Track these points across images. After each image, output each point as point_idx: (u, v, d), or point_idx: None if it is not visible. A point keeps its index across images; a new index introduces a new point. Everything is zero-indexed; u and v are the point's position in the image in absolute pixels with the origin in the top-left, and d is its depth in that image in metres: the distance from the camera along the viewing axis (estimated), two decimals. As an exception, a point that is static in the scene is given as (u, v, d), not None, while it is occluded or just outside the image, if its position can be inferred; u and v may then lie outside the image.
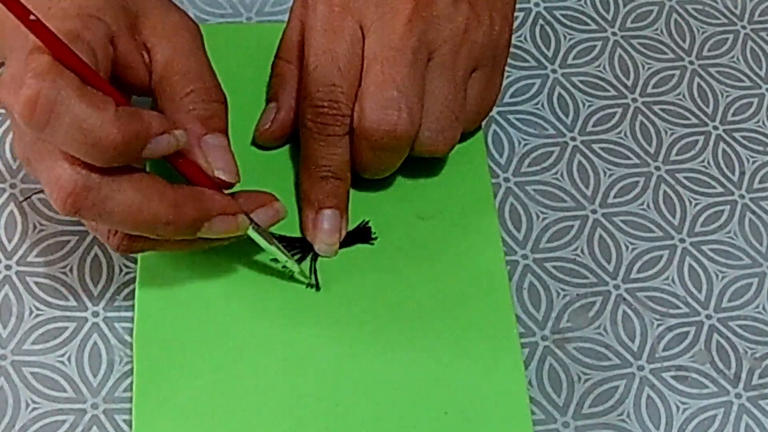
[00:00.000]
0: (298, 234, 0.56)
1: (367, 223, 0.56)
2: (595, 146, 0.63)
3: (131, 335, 0.53)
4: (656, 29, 0.69)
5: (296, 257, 0.55)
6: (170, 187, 0.48)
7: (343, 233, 0.56)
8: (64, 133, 0.44)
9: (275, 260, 0.54)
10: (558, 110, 0.65)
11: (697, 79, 0.67)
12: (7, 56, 0.49)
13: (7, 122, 0.60)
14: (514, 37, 0.64)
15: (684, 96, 0.66)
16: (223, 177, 0.50)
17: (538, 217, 0.60)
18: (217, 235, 0.50)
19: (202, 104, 0.50)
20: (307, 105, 0.54)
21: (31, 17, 0.44)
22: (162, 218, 0.48)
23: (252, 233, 0.51)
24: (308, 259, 0.55)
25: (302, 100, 0.55)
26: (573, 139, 0.64)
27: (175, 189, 0.48)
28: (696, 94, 0.66)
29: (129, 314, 0.55)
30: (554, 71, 0.66)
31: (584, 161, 0.63)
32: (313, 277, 0.54)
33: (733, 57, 0.68)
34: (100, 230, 0.50)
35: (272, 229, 0.54)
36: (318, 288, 0.54)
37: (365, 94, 0.53)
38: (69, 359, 0.54)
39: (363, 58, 0.54)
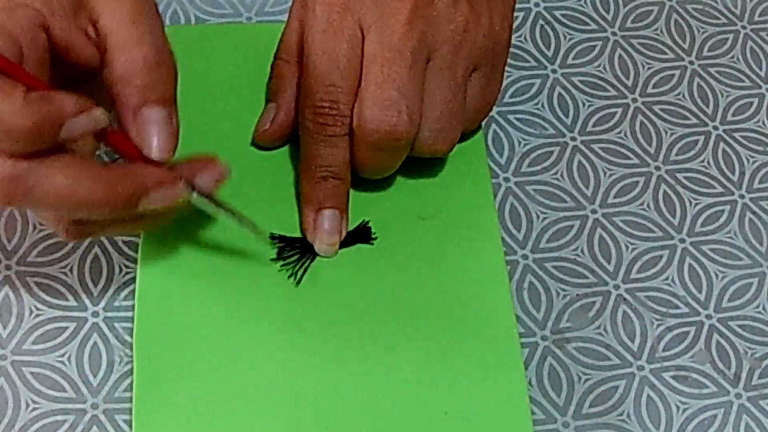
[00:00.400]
0: (298, 234, 0.56)
1: (367, 223, 0.56)
2: (595, 146, 0.63)
3: (131, 335, 0.53)
4: (656, 29, 0.69)
5: (295, 257, 0.55)
6: (101, 167, 0.47)
7: (343, 233, 0.56)
8: None
9: (275, 260, 0.54)
10: (558, 110, 0.65)
11: (697, 79, 0.67)
12: None
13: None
14: (514, 37, 0.64)
15: (684, 96, 0.66)
16: (153, 157, 0.49)
17: (538, 217, 0.60)
18: (159, 207, 0.49)
19: (137, 72, 0.48)
20: (307, 105, 0.54)
21: None
22: (95, 199, 0.47)
23: (197, 200, 0.50)
24: (293, 258, 0.55)
25: (302, 100, 0.55)
26: (573, 139, 0.64)
27: (107, 168, 0.47)
28: (696, 94, 0.66)
29: (129, 314, 0.55)
30: (554, 71, 0.66)
31: (584, 161, 0.63)
32: (300, 272, 0.54)
33: (733, 57, 0.68)
34: (45, 219, 0.50)
35: (272, 230, 0.54)
36: (298, 283, 0.54)
37: (365, 94, 0.53)
38: (69, 359, 0.54)
39: (362, 58, 0.54)
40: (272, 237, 0.55)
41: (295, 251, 0.55)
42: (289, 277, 0.54)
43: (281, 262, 0.55)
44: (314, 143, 0.54)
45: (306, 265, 0.55)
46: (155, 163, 0.49)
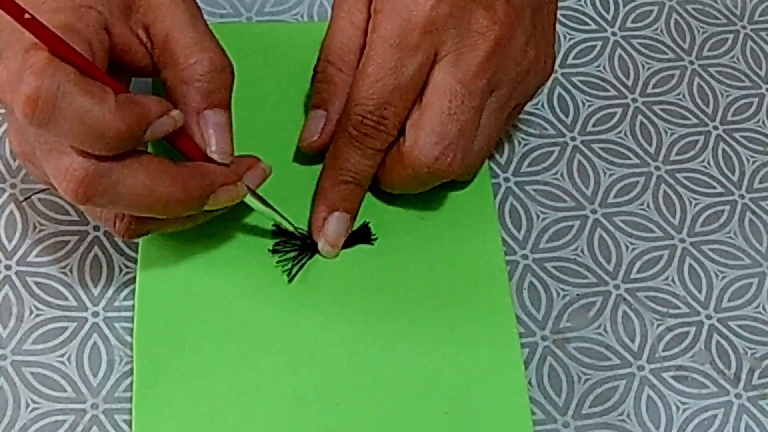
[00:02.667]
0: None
1: (368, 223, 0.56)
2: (595, 146, 0.63)
3: (131, 335, 0.53)
4: (656, 29, 0.69)
5: (293, 253, 0.55)
6: (174, 165, 0.49)
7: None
8: (67, 128, 0.45)
9: (274, 258, 0.54)
10: (558, 110, 0.65)
11: (697, 79, 0.67)
12: (2, 53, 0.49)
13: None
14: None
15: (684, 96, 0.66)
16: (216, 158, 0.50)
17: (538, 217, 0.60)
18: (221, 205, 0.51)
19: (203, 76, 0.50)
20: (355, 112, 0.54)
21: (26, 15, 0.44)
22: (172, 197, 0.48)
23: (248, 198, 0.52)
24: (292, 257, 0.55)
25: (350, 102, 0.54)
26: (573, 139, 0.64)
27: (180, 167, 0.49)
28: (696, 94, 0.66)
29: (129, 314, 0.55)
30: (554, 71, 0.66)
31: (584, 161, 0.63)
32: (295, 269, 0.54)
33: (733, 57, 0.68)
34: (106, 217, 0.50)
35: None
36: (291, 280, 0.54)
37: (426, 124, 0.53)
38: (69, 359, 0.54)
39: (426, 84, 0.53)
40: (276, 228, 0.55)
41: (295, 247, 0.55)
42: (284, 272, 0.54)
43: (278, 257, 0.55)
44: (349, 148, 0.54)
45: (303, 262, 0.55)
46: (217, 164, 0.50)
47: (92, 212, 0.51)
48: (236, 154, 0.52)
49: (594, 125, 0.64)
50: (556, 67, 0.66)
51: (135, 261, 0.55)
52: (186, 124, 0.50)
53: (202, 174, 0.50)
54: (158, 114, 0.47)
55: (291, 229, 0.55)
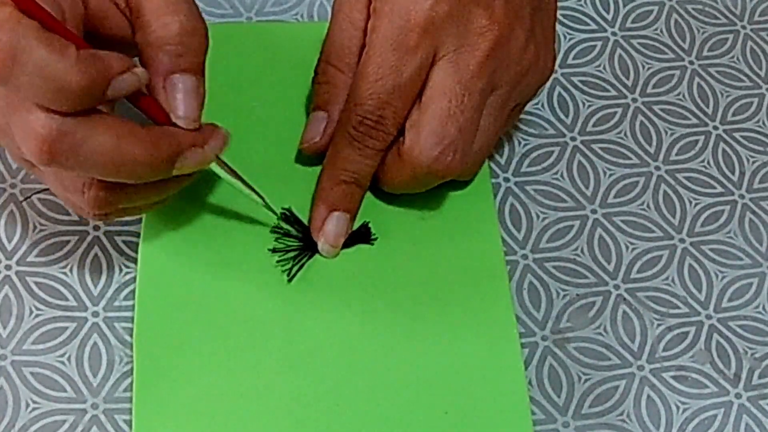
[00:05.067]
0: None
1: (368, 223, 0.56)
2: (595, 146, 0.63)
3: (131, 335, 0.53)
4: (656, 29, 0.69)
5: (293, 252, 0.55)
6: (141, 126, 0.48)
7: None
8: (29, 82, 0.44)
9: (274, 258, 0.54)
10: (558, 110, 0.65)
11: (697, 79, 0.67)
12: None
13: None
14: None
15: (684, 96, 0.66)
16: (181, 123, 0.49)
17: (538, 217, 0.61)
18: (190, 169, 0.49)
19: (172, 39, 0.49)
20: (354, 111, 0.54)
21: None
22: (139, 157, 0.47)
23: (215, 167, 0.51)
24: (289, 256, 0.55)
25: (349, 102, 0.54)
26: (573, 139, 0.64)
27: (146, 128, 0.48)
28: (696, 94, 0.66)
29: (129, 314, 0.55)
30: (554, 71, 0.66)
31: (584, 161, 0.63)
32: (295, 268, 0.54)
33: (733, 57, 0.68)
34: (74, 186, 0.49)
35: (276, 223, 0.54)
36: (290, 279, 0.54)
37: (425, 125, 0.53)
38: (69, 359, 0.54)
39: (426, 84, 0.53)
40: (283, 215, 0.55)
41: (294, 247, 0.55)
42: (283, 272, 0.54)
43: (278, 256, 0.55)
44: (349, 148, 0.54)
45: (302, 262, 0.55)
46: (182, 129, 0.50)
47: (62, 184, 0.50)
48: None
49: (594, 125, 0.64)
50: (556, 67, 0.66)
51: (135, 261, 0.55)
52: (154, 88, 0.49)
53: (168, 135, 0.48)
54: (120, 70, 0.46)
55: (261, 202, 0.54)
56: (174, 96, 0.49)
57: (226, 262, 0.54)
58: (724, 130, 0.65)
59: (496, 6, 0.53)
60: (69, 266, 0.56)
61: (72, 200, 0.50)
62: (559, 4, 0.67)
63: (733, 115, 0.66)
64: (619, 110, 0.65)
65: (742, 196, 0.63)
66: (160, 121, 0.49)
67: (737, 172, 0.64)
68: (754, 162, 0.64)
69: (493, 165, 0.62)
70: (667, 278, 0.59)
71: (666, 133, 0.65)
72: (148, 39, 0.49)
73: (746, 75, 0.67)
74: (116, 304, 0.55)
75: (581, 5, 0.69)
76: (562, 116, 0.64)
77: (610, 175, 0.63)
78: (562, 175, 0.62)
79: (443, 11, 0.53)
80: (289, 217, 0.56)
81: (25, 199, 0.57)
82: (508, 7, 0.54)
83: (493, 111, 0.54)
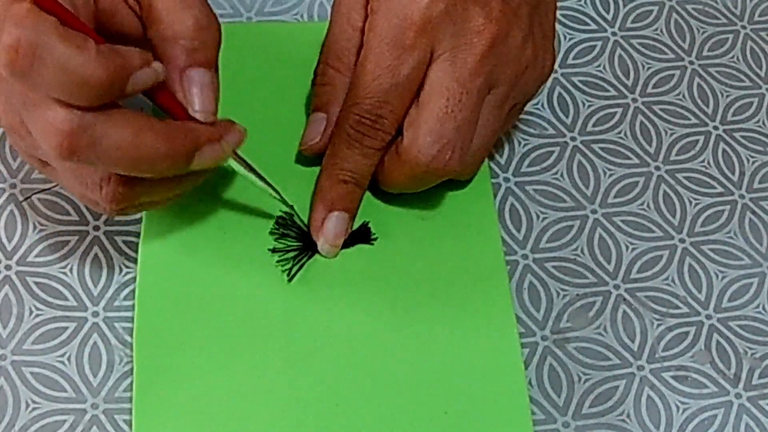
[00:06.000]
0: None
1: (368, 223, 0.56)
2: (595, 146, 0.63)
3: (131, 335, 0.53)
4: (656, 29, 0.69)
5: (293, 252, 0.55)
6: (159, 120, 0.48)
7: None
8: (49, 77, 0.44)
9: (274, 257, 0.54)
10: (558, 110, 0.65)
11: (697, 79, 0.67)
12: None
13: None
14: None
15: (684, 96, 0.66)
16: (199, 117, 0.49)
17: (538, 217, 0.61)
18: (207, 165, 0.50)
19: (187, 34, 0.49)
20: (352, 111, 0.54)
21: None
22: (158, 151, 0.47)
23: (232, 162, 0.52)
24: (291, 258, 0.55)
25: (347, 101, 0.54)
26: (573, 139, 0.64)
27: (164, 122, 0.48)
28: (696, 94, 0.66)
29: (129, 314, 0.55)
30: (554, 71, 0.66)
31: (584, 161, 0.63)
32: (295, 268, 0.54)
33: (733, 57, 0.68)
34: (92, 182, 0.50)
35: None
36: (290, 279, 0.54)
37: (423, 123, 0.53)
38: (69, 359, 0.54)
39: (423, 82, 0.53)
40: (278, 221, 0.55)
41: (294, 246, 0.55)
42: (283, 272, 0.54)
43: (278, 256, 0.55)
44: (347, 147, 0.54)
45: (302, 262, 0.55)
46: (200, 123, 0.50)
47: (79, 179, 0.50)
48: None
49: (594, 125, 0.64)
50: (556, 67, 0.66)
51: (135, 261, 0.55)
52: (170, 82, 0.49)
53: (186, 130, 0.49)
54: (139, 64, 0.47)
55: (277, 197, 0.54)
56: (191, 90, 0.49)
57: (226, 262, 0.54)
58: (724, 130, 0.65)
59: (493, 5, 0.53)
60: (69, 266, 0.56)
61: (88, 196, 0.51)
62: (559, 4, 0.67)
63: (733, 115, 0.66)
64: (619, 110, 0.65)
65: (742, 196, 0.63)
66: (177, 116, 0.49)
67: (737, 172, 0.64)
68: (754, 162, 0.64)
69: (493, 165, 0.62)
70: (667, 278, 0.59)
71: (666, 133, 0.65)
72: (163, 34, 0.49)
73: (746, 75, 0.67)
74: (116, 304, 0.55)
75: (581, 5, 0.69)
76: (562, 116, 0.64)
77: (610, 175, 0.63)
78: (562, 175, 0.62)
79: (440, 9, 0.53)
80: (288, 216, 0.56)
81: (25, 199, 0.57)
82: (506, 6, 0.54)
83: (491, 110, 0.54)
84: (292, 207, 0.55)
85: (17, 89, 0.47)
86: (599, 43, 0.68)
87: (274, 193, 0.54)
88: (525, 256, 0.59)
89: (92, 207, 0.51)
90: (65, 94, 0.45)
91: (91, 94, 0.45)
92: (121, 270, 0.56)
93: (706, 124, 0.65)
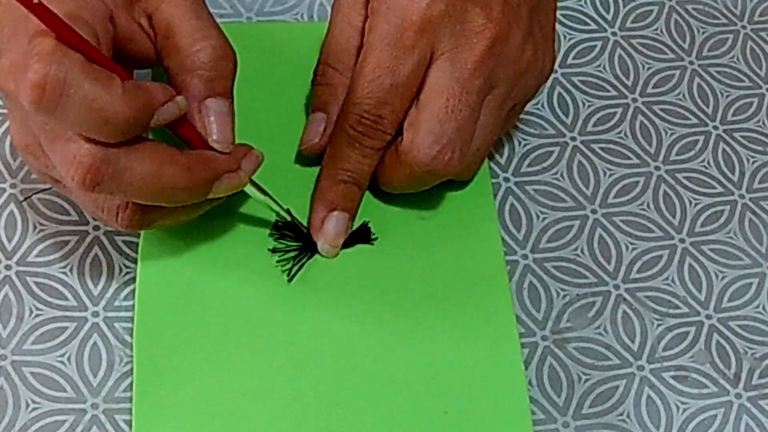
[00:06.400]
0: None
1: (368, 223, 0.56)
2: (595, 146, 0.63)
3: (131, 335, 0.53)
4: (656, 29, 0.69)
5: (294, 252, 0.55)
6: (179, 152, 0.49)
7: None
8: (75, 114, 0.45)
9: (274, 258, 0.54)
10: (558, 110, 0.65)
11: (697, 79, 0.67)
12: (4, 44, 0.49)
13: (7, 122, 0.60)
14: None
15: (684, 96, 0.66)
16: (217, 146, 0.50)
17: (538, 217, 0.60)
18: (224, 193, 0.51)
19: (206, 65, 0.50)
20: (352, 111, 0.54)
21: (35, 1, 0.44)
22: (179, 183, 0.48)
23: (247, 187, 0.52)
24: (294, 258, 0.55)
25: (348, 102, 0.54)
26: (573, 139, 0.64)
27: (184, 154, 0.49)
28: (696, 94, 0.66)
29: (129, 314, 0.55)
30: (554, 71, 0.66)
31: (584, 161, 0.63)
32: (295, 268, 0.54)
33: (733, 57, 0.68)
34: (109, 208, 0.50)
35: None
36: (290, 279, 0.54)
37: (423, 124, 0.53)
38: (69, 359, 0.54)
39: (423, 82, 0.53)
40: (278, 222, 0.55)
41: (294, 246, 0.55)
42: (283, 272, 0.54)
43: (278, 256, 0.55)
44: (347, 147, 0.54)
45: (302, 262, 0.55)
46: (218, 152, 0.51)
47: (95, 203, 0.51)
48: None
49: (594, 125, 0.64)
50: (556, 67, 0.66)
51: (135, 261, 0.55)
52: (188, 112, 0.50)
53: (206, 161, 0.50)
54: (164, 100, 0.47)
55: (289, 218, 0.55)
56: (209, 120, 0.50)
57: (226, 262, 0.54)
58: (724, 130, 0.65)
59: (493, 5, 0.53)
60: (69, 266, 0.56)
61: (103, 218, 0.51)
62: (559, 4, 0.67)
63: (733, 115, 0.66)
64: (619, 110, 0.65)
65: (742, 196, 0.63)
66: (195, 145, 0.50)
67: (737, 172, 0.64)
68: (754, 162, 0.64)
69: (493, 165, 0.62)
70: (667, 278, 0.59)
71: (666, 133, 0.65)
72: (182, 64, 0.50)
73: (746, 75, 0.67)
74: (116, 304, 0.55)
75: (581, 5, 0.69)
76: (562, 116, 0.64)
77: (610, 175, 0.63)
78: (562, 175, 0.62)
79: (440, 10, 0.53)
80: (288, 217, 0.56)
81: (25, 199, 0.57)
82: (506, 7, 0.54)
83: (491, 110, 0.54)
84: (304, 227, 0.55)
85: (38, 118, 0.47)
86: (599, 43, 0.68)
87: (285, 215, 0.55)
88: (525, 256, 0.59)
89: (104, 223, 0.52)
90: (90, 131, 0.45)
91: (117, 131, 0.46)
92: (121, 270, 0.56)
93: (706, 124, 0.65)
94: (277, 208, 0.54)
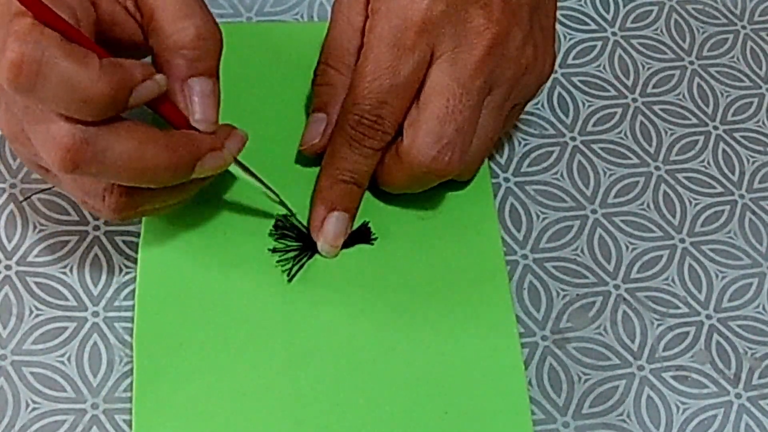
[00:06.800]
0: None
1: (368, 223, 0.56)
2: (595, 146, 0.63)
3: (131, 335, 0.53)
4: (656, 29, 0.69)
5: (294, 252, 0.55)
6: (161, 132, 0.48)
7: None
8: (52, 93, 0.44)
9: (274, 258, 0.54)
10: (558, 110, 0.65)
11: (697, 79, 0.67)
12: None
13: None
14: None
15: (684, 96, 0.66)
16: (200, 126, 0.50)
17: (538, 217, 0.61)
18: (209, 173, 0.50)
19: (189, 44, 0.49)
20: (352, 111, 0.54)
21: None
22: (161, 163, 0.47)
23: (233, 167, 0.52)
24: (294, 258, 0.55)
25: (347, 101, 0.54)
26: (573, 139, 0.64)
27: (166, 133, 0.48)
28: (696, 94, 0.66)
29: (129, 314, 0.55)
30: (554, 71, 0.66)
31: (584, 161, 0.63)
32: (295, 268, 0.54)
33: (733, 57, 0.68)
34: (94, 192, 0.50)
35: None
36: (290, 279, 0.54)
37: (423, 124, 0.53)
38: (69, 359, 0.54)
39: (423, 83, 0.53)
40: (283, 216, 0.55)
41: (294, 246, 0.55)
42: (283, 272, 0.54)
43: (278, 256, 0.55)
44: (347, 147, 0.54)
45: (302, 262, 0.55)
46: (201, 132, 0.50)
47: (82, 189, 0.50)
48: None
49: (594, 125, 0.64)
50: (556, 67, 0.66)
51: (135, 261, 0.55)
52: (171, 92, 0.49)
53: (188, 140, 0.49)
54: (142, 77, 0.47)
55: (276, 200, 0.55)
56: (192, 99, 0.50)
57: (226, 262, 0.54)
58: (724, 130, 0.65)
59: (493, 5, 0.53)
60: (69, 266, 0.56)
61: (90, 204, 0.51)
62: (559, 4, 0.67)
63: (733, 115, 0.66)
64: (619, 110, 0.65)
65: (742, 196, 0.63)
66: (178, 125, 0.50)
67: (737, 172, 0.64)
68: (754, 162, 0.64)
69: (493, 165, 0.62)
70: (667, 278, 0.59)
71: (666, 133, 0.65)
72: (165, 44, 0.49)
73: (746, 75, 0.67)
74: (116, 304, 0.55)
75: (581, 5, 0.69)
76: (562, 116, 0.64)
77: (610, 175, 0.63)
78: (562, 175, 0.62)
79: (440, 10, 0.53)
80: (288, 217, 0.56)
81: (25, 199, 0.57)
82: (506, 7, 0.54)
83: (491, 110, 0.54)
84: (291, 210, 0.55)
85: (19, 100, 0.47)
86: (599, 43, 0.68)
87: (273, 196, 0.54)
88: (525, 256, 0.59)
89: (94, 214, 0.52)
90: (69, 110, 0.45)
91: (95, 109, 0.45)
92: (121, 270, 0.56)
93: (706, 124, 0.65)
94: (263, 189, 0.54)
